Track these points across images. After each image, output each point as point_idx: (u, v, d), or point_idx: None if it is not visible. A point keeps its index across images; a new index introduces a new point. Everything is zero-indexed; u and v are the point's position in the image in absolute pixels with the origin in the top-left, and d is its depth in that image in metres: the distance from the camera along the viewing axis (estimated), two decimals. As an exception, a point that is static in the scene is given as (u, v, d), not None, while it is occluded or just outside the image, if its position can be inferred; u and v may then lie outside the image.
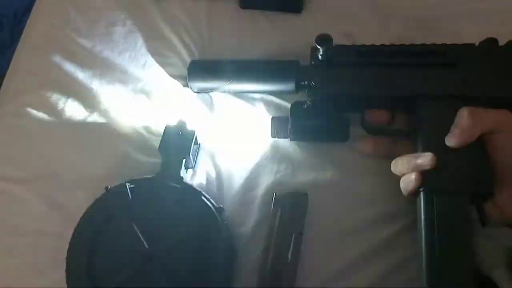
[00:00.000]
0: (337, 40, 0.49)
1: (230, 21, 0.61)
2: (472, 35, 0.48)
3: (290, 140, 0.53)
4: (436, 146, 0.44)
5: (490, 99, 0.46)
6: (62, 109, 0.56)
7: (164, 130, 0.50)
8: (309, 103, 0.50)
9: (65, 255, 0.45)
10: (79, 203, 0.48)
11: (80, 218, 0.46)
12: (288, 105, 0.53)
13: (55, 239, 0.49)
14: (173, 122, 0.51)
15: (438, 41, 0.49)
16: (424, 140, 0.46)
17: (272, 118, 0.52)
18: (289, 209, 0.48)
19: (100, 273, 0.44)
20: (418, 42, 0.49)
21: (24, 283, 0.48)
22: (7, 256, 0.50)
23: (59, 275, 0.45)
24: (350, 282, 0.47)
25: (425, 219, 0.43)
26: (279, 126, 0.52)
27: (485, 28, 0.49)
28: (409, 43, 0.50)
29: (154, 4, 0.62)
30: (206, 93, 0.57)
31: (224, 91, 0.56)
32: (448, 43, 0.49)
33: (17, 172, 0.53)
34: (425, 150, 0.45)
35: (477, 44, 0.48)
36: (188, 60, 0.58)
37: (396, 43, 0.50)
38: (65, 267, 0.45)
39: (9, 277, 0.49)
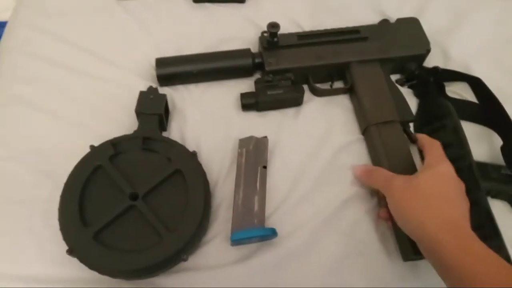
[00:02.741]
0: (280, 20, 0.62)
1: (185, 14, 0.71)
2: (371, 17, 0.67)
3: (257, 111, 0.62)
4: (368, 96, 0.59)
5: (397, 58, 0.62)
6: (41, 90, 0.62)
7: (139, 95, 0.58)
8: (271, 76, 0.60)
9: (54, 216, 0.50)
10: (67, 169, 0.53)
11: (70, 172, 0.52)
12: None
13: (46, 203, 0.53)
14: (146, 88, 0.59)
15: (344, 22, 0.66)
16: (359, 93, 0.60)
17: (241, 94, 0.61)
18: (252, 148, 0.56)
19: (91, 215, 0.50)
20: (338, 26, 0.66)
21: (19, 245, 0.52)
22: (3, 222, 0.54)
23: (51, 232, 0.50)
24: (314, 204, 0.55)
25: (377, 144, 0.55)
26: (248, 100, 0.60)
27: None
28: (331, 27, 0.65)
29: (116, 3, 0.71)
30: (170, 86, 0.64)
31: (188, 82, 0.64)
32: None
33: (5, 152, 0.58)
34: (361, 100, 0.59)
35: (377, 23, 0.66)
36: (151, 54, 0.65)
37: (322, 29, 0.65)
38: (58, 215, 0.50)
39: (5, 241, 0.53)
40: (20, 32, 0.68)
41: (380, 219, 0.53)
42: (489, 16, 0.71)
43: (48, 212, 0.52)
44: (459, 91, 0.63)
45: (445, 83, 0.62)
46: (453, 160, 0.49)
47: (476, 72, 0.63)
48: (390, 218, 0.50)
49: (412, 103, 0.61)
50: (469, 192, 0.47)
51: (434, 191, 0.45)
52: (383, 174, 0.51)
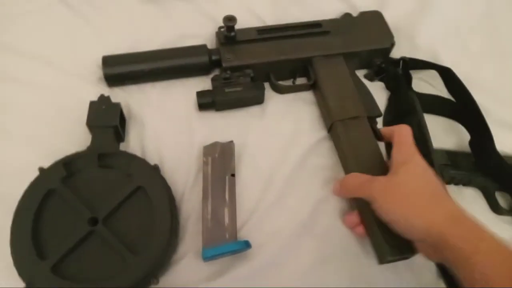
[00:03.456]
0: (239, 12, 0.58)
1: (135, 10, 0.65)
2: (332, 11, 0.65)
3: (216, 110, 0.58)
4: (333, 92, 0.56)
5: (361, 53, 0.59)
6: None
7: (89, 106, 0.53)
8: (229, 73, 0.56)
9: (5, 246, 0.46)
10: (14, 192, 0.48)
11: (20, 200, 0.47)
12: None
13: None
14: (96, 98, 0.54)
15: (305, 10, 0.65)
16: (322, 89, 0.57)
17: (197, 92, 0.57)
18: (218, 155, 0.52)
19: (47, 245, 0.46)
20: (297, 17, 0.63)
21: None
22: None
23: (4, 265, 0.45)
24: (287, 209, 0.52)
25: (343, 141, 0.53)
26: (204, 99, 0.56)
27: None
28: (294, 20, 0.62)
29: (58, 1, 0.65)
30: (121, 86, 0.59)
31: (141, 81, 0.59)
32: (314, 16, 0.63)
33: None
34: (325, 96, 0.56)
35: (339, 17, 0.63)
36: (100, 55, 0.59)
37: (285, 21, 0.62)
38: (10, 248, 0.45)
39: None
40: None
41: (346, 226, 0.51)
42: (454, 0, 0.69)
43: (-1, 242, 0.47)
44: (427, 78, 0.61)
45: (414, 71, 0.60)
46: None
47: (443, 58, 0.62)
48: (362, 222, 0.49)
49: (385, 96, 0.60)
50: None
51: (419, 186, 0.43)
52: (358, 180, 0.48)
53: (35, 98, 0.58)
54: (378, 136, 0.53)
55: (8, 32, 0.62)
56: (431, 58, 0.62)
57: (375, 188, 0.45)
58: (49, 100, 0.57)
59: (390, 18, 0.63)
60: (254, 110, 0.59)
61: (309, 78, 0.59)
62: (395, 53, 0.62)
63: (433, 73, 0.60)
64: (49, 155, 0.50)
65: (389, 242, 0.46)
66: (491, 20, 0.69)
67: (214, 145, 0.53)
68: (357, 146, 0.52)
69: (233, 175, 0.52)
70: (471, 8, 0.69)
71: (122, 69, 0.57)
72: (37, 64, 0.60)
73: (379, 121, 0.57)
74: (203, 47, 0.59)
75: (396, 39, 0.61)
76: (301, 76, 0.60)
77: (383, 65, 0.59)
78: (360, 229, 0.50)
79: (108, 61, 0.57)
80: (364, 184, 0.46)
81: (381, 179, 0.45)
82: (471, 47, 0.65)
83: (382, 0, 0.67)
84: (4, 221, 0.47)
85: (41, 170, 0.49)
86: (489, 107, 0.57)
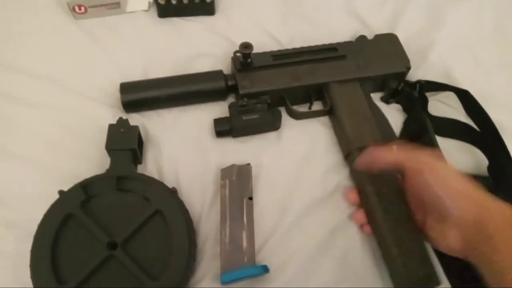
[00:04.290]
0: (251, 31, 0.60)
1: (150, 31, 0.66)
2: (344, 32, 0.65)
3: (233, 137, 0.58)
4: (350, 119, 0.55)
5: (377, 77, 0.59)
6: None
7: (108, 129, 0.53)
8: (246, 100, 0.56)
9: (24, 270, 0.46)
10: (33, 217, 0.48)
11: (39, 224, 0.47)
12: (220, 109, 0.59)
13: (13, 257, 0.49)
14: (114, 122, 0.54)
15: (317, 28, 0.66)
16: (339, 116, 0.56)
17: (214, 120, 0.57)
18: (235, 178, 0.52)
19: (66, 270, 0.46)
20: (309, 35, 0.63)
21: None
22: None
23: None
24: (305, 231, 0.52)
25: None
26: (221, 126, 0.56)
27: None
28: (306, 37, 0.62)
29: (72, 22, 0.65)
30: (138, 112, 0.59)
31: (158, 107, 0.59)
32: (330, 35, 0.63)
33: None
34: (342, 124, 0.55)
35: (354, 40, 0.62)
36: (115, 76, 0.61)
37: (297, 40, 0.63)
38: (30, 274, 0.45)
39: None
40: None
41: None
42: (467, 13, 0.69)
43: (16, 267, 0.48)
44: (444, 99, 0.61)
45: (430, 93, 0.60)
46: None
47: (457, 74, 0.62)
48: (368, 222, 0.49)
49: (400, 119, 0.59)
50: None
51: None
52: (401, 149, 0.44)
53: (50, 120, 0.58)
54: None
55: (20, 52, 0.63)
56: (444, 74, 0.62)
57: (425, 158, 0.43)
58: (65, 122, 0.58)
59: (402, 34, 0.63)
60: (270, 133, 0.58)
61: (325, 103, 0.59)
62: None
63: (450, 93, 0.60)
64: (67, 179, 0.50)
65: (406, 265, 0.45)
66: (503, 33, 0.69)
67: (232, 167, 0.53)
68: (374, 174, 0.51)
69: (250, 198, 0.52)
70: (482, 22, 0.69)
71: (140, 96, 0.58)
72: (50, 85, 0.60)
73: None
74: (219, 73, 0.59)
75: (409, 55, 0.60)
76: (317, 99, 0.60)
77: (399, 88, 0.59)
78: (368, 229, 0.50)
79: (126, 88, 0.57)
80: (412, 152, 0.44)
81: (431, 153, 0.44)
82: (484, 62, 0.65)
83: (395, 17, 0.68)
84: (20, 247, 0.47)
85: (61, 193, 0.49)
86: (504, 122, 0.57)
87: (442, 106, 0.61)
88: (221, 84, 0.58)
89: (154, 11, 0.67)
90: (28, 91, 0.60)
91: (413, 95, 0.58)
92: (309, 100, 0.60)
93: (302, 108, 0.60)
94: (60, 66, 0.62)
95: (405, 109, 0.60)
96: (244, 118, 0.56)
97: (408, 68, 0.60)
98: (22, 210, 0.52)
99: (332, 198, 0.54)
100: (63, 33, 0.65)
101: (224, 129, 0.56)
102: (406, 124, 0.58)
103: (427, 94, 0.59)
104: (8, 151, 0.55)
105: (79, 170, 0.53)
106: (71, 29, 0.65)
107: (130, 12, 0.67)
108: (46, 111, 0.58)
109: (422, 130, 0.56)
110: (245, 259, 0.48)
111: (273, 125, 0.58)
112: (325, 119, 0.60)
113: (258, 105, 0.56)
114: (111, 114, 0.58)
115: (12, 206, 0.52)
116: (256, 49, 0.58)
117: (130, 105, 0.58)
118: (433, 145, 0.54)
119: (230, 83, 0.58)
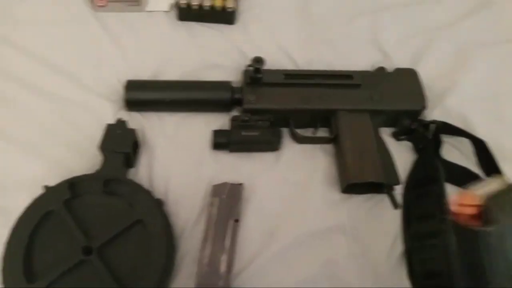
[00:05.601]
0: (268, 47, 0.59)
1: (167, 33, 0.65)
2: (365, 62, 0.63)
3: (230, 151, 0.56)
4: (353, 151, 0.53)
5: (389, 112, 0.56)
6: None
7: (105, 129, 0.52)
8: (249, 115, 0.55)
9: None
10: (20, 205, 0.47)
11: (19, 216, 0.47)
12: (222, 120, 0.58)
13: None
14: (113, 121, 0.53)
15: (338, 55, 0.62)
16: (343, 146, 0.54)
17: (213, 131, 0.55)
18: (226, 196, 0.51)
19: (39, 268, 0.45)
20: (328, 61, 0.62)
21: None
22: None
23: None
24: (288, 265, 0.50)
25: None
26: (220, 139, 0.55)
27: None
28: (324, 61, 0.61)
29: (92, 14, 0.65)
30: (140, 112, 0.58)
31: (160, 110, 0.58)
32: (346, 61, 0.61)
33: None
34: (344, 154, 0.53)
35: (373, 70, 0.60)
36: (124, 74, 0.60)
37: (314, 63, 0.61)
38: (1, 267, 0.44)
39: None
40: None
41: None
42: (494, 59, 0.65)
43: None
44: (457, 144, 0.57)
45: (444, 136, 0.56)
46: (432, 234, 0.44)
47: (475, 124, 0.58)
48: None
49: (409, 158, 0.56)
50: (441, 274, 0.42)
51: None
52: None
53: (51, 109, 0.58)
54: (395, 204, 0.50)
55: (35, 37, 0.63)
56: (460, 120, 0.58)
57: None
58: (66, 114, 0.57)
59: (424, 71, 0.60)
60: (269, 154, 0.56)
61: (330, 131, 0.57)
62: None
63: (463, 139, 0.56)
64: (56, 171, 0.51)
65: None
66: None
67: (224, 185, 0.51)
68: None
69: (237, 220, 0.50)
70: (509, 72, 0.65)
71: (144, 96, 0.57)
72: (57, 73, 0.60)
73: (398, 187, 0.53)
74: (226, 84, 0.57)
75: (427, 94, 0.57)
76: (322, 126, 0.58)
77: (413, 126, 0.56)
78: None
79: (131, 86, 0.56)
80: None
81: None
82: (505, 115, 0.61)
83: (419, 53, 0.64)
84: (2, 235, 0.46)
85: (46, 188, 0.48)
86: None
87: (454, 150, 0.57)
88: (227, 95, 0.56)
89: (174, 13, 0.66)
90: (36, 77, 0.59)
91: (426, 137, 0.54)
92: (314, 125, 0.57)
93: (306, 133, 0.58)
94: (70, 55, 0.62)
95: (416, 149, 0.57)
96: (243, 133, 0.54)
97: (424, 107, 0.57)
98: (6, 196, 0.51)
99: (324, 236, 0.51)
100: (79, 23, 0.65)
101: (221, 141, 0.55)
102: (415, 167, 0.55)
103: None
104: (3, 133, 0.55)
105: (69, 163, 0.53)
106: (88, 20, 0.65)
107: (150, 11, 0.66)
108: (49, 98, 0.58)
109: (432, 178, 0.52)
110: (220, 283, 0.47)
111: (272, 145, 0.56)
112: (328, 147, 0.57)
113: (260, 122, 0.54)
114: (113, 111, 0.57)
115: (5, 193, 0.51)
116: (270, 66, 0.56)
117: (132, 104, 0.57)
118: (442, 196, 0.51)
119: (236, 96, 0.56)
